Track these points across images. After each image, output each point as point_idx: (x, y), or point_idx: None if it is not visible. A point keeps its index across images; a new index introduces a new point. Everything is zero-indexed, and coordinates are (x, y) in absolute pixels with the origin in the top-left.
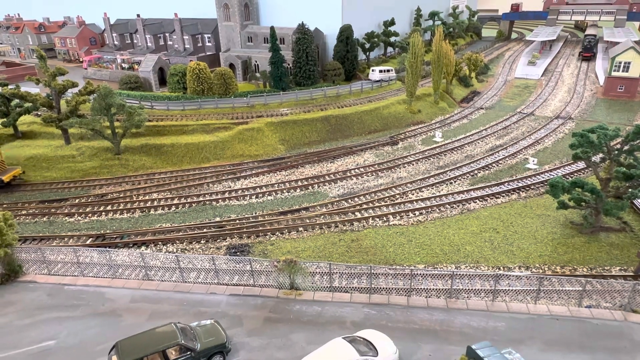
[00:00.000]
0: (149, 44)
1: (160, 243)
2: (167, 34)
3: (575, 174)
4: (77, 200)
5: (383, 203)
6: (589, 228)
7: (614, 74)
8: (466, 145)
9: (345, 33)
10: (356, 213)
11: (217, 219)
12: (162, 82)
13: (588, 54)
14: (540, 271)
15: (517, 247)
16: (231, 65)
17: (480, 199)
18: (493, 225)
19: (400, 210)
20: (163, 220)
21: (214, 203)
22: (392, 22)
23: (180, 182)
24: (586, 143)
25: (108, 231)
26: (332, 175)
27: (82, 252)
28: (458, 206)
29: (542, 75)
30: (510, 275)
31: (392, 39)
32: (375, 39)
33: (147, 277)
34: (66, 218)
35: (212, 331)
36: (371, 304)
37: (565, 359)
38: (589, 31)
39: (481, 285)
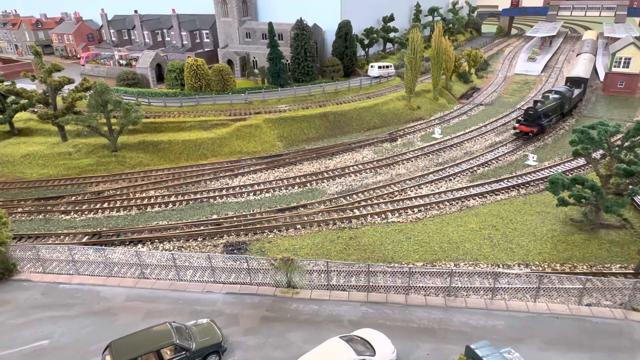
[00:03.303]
0: (147, 40)
1: (156, 241)
2: (164, 30)
3: (576, 171)
4: (73, 198)
5: (382, 200)
6: (589, 225)
7: (614, 69)
8: (465, 142)
9: (344, 29)
10: (354, 210)
11: (215, 216)
12: (160, 78)
13: (527, 128)
14: (540, 269)
15: (516, 245)
16: (229, 62)
17: (480, 196)
18: (492, 222)
19: (399, 207)
20: (160, 218)
21: (212, 200)
22: (391, 18)
23: (178, 179)
24: (586, 139)
25: (104, 229)
26: (330, 172)
27: (77, 250)
28: (457, 203)
29: (542, 72)
30: (509, 273)
31: (391, 34)
32: (374, 35)
33: (142, 275)
34: (62, 216)
35: (207, 330)
36: (369, 302)
37: (565, 358)
38: (576, 70)
39: (480, 283)
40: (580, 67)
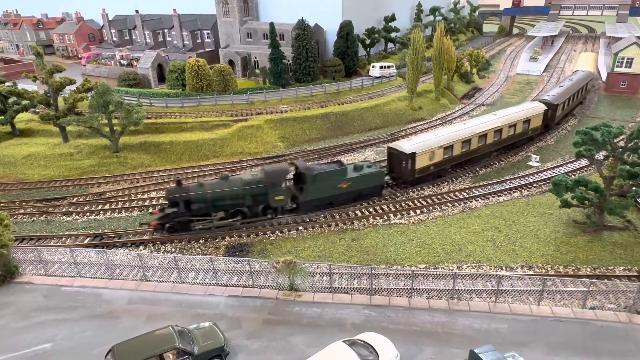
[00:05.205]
0: (148, 40)
1: (158, 243)
2: (166, 30)
3: (579, 172)
4: (74, 199)
5: (383, 201)
6: (592, 227)
7: (616, 69)
8: None
9: (346, 29)
10: (356, 212)
11: None
12: (161, 78)
13: (154, 221)
14: (543, 271)
15: (519, 247)
16: (230, 62)
17: (482, 197)
18: (495, 224)
19: (401, 208)
20: None
21: None
22: (393, 18)
23: None
24: (590, 141)
25: (106, 230)
26: None
27: (79, 252)
28: (459, 204)
29: (544, 71)
30: (512, 276)
31: (393, 34)
32: (376, 35)
33: (144, 277)
34: (64, 217)
35: (210, 334)
36: (372, 305)
37: None
38: (402, 142)
39: (483, 285)
40: (417, 139)
